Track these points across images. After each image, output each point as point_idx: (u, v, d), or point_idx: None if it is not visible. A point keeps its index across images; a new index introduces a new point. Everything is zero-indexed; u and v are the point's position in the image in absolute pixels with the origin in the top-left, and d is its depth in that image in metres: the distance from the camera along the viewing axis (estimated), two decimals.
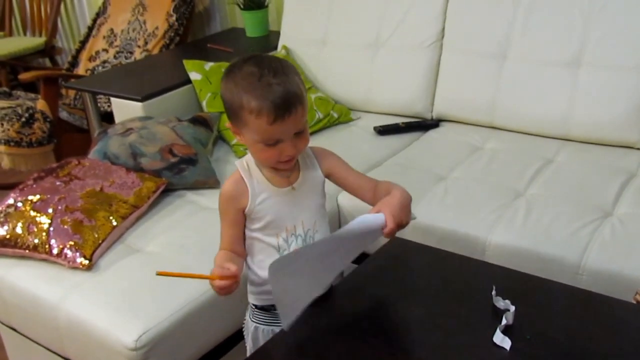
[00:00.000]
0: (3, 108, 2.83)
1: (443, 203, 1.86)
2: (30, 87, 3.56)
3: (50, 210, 1.78)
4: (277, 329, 1.28)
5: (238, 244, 1.26)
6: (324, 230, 1.29)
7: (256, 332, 1.32)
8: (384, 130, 2.36)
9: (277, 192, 1.22)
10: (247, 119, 1.12)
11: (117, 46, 3.34)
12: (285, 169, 1.21)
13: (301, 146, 1.18)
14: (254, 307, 1.32)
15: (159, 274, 1.09)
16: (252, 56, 1.17)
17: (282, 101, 1.10)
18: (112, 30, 3.41)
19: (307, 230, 1.26)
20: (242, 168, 1.22)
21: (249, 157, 1.24)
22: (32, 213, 1.78)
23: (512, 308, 1.16)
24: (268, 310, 1.30)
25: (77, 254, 1.68)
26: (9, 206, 1.81)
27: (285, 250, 1.24)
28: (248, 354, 1.33)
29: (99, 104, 2.79)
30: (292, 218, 1.24)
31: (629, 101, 2.01)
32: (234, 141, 2.31)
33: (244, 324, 1.39)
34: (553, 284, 1.30)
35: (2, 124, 2.75)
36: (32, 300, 1.66)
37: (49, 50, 4.00)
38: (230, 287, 1.12)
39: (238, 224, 1.24)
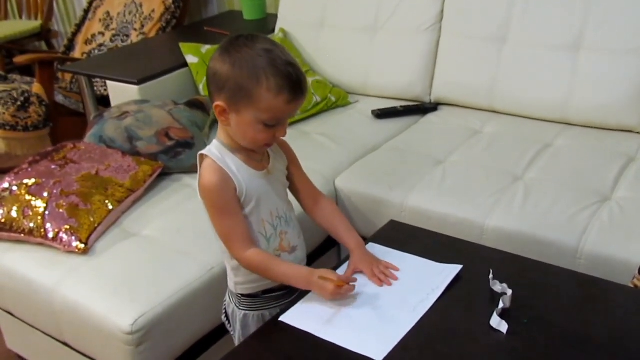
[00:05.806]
0: None
1: (441, 187, 1.85)
2: (26, 70, 3.53)
3: (45, 194, 1.76)
4: (267, 313, 1.28)
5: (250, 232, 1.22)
6: (292, 209, 1.32)
7: (246, 319, 1.31)
8: (382, 114, 2.34)
9: (256, 175, 1.22)
10: (261, 97, 1.11)
11: (113, 29, 3.31)
12: (264, 150, 1.24)
13: (286, 130, 1.21)
14: (240, 296, 1.31)
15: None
16: (252, 35, 1.16)
17: (299, 82, 1.13)
18: (108, 13, 3.37)
19: (285, 210, 1.28)
20: (216, 157, 1.19)
21: (217, 146, 1.21)
22: (28, 197, 1.77)
23: (509, 292, 1.16)
24: (257, 296, 1.29)
25: (73, 237, 1.67)
26: (4, 190, 1.80)
27: (273, 236, 1.24)
28: (237, 342, 1.33)
29: (95, 88, 2.77)
30: (273, 200, 1.25)
31: (629, 85, 1.99)
32: None
33: (224, 314, 1.38)
34: (551, 268, 1.29)
35: None
36: (28, 285, 1.66)
37: (45, 34, 3.97)
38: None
39: (240, 208, 1.21)
